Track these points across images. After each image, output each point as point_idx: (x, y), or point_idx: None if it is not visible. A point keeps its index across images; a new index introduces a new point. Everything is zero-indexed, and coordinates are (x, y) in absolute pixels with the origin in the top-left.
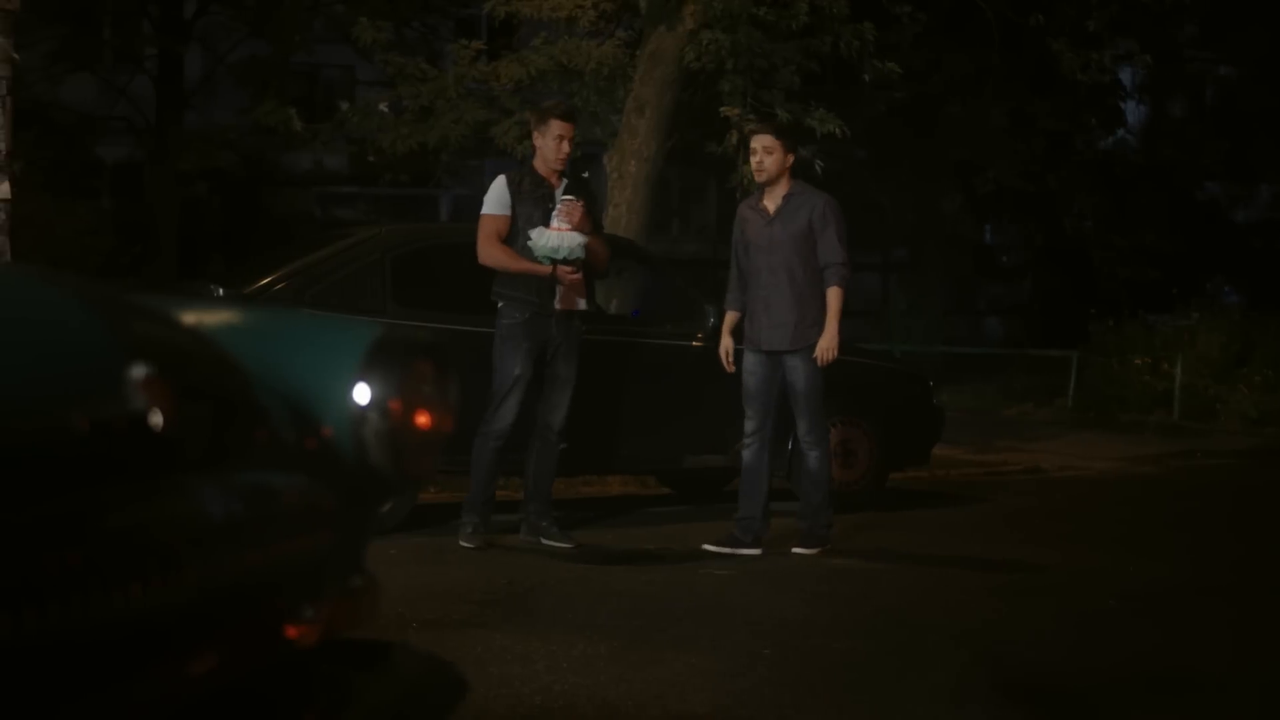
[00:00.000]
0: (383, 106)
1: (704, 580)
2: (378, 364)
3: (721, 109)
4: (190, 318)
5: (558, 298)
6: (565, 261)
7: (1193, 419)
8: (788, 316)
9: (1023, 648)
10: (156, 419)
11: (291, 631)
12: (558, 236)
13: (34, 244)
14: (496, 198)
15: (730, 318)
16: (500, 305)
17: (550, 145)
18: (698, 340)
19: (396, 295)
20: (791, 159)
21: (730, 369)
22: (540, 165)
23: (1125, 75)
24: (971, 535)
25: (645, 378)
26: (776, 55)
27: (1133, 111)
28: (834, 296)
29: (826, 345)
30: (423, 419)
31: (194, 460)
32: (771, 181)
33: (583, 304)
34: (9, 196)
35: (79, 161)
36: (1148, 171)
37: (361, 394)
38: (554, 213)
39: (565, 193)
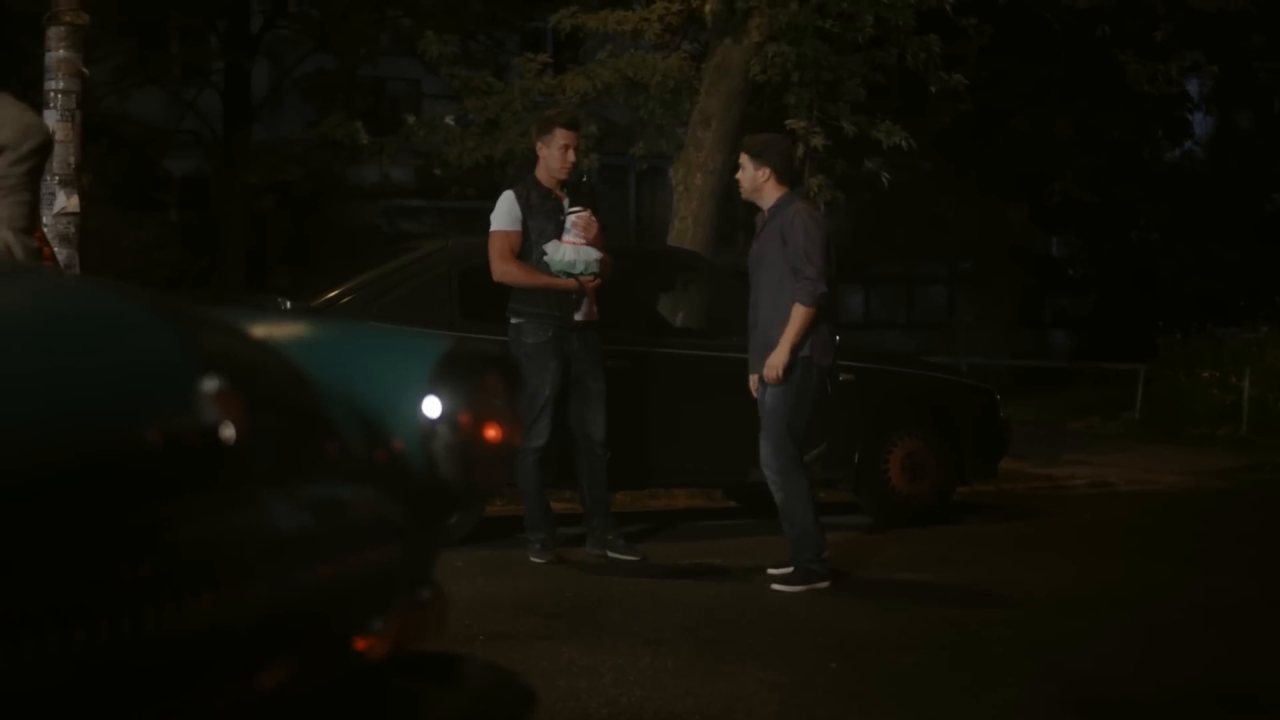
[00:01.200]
0: (449, 120)
1: (770, 594)
2: (448, 377)
3: (787, 121)
4: (260, 330)
5: (580, 310)
6: (583, 275)
7: (1261, 432)
8: (771, 336)
9: (1090, 662)
10: (228, 432)
11: (361, 644)
12: (573, 251)
13: (102, 256)
14: (506, 213)
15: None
16: (520, 323)
17: (555, 155)
18: None
19: (463, 308)
20: (766, 172)
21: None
22: (544, 176)
23: (1192, 86)
24: (1039, 549)
25: (711, 390)
26: (842, 68)
27: (1200, 123)
28: (795, 313)
29: (773, 363)
30: (492, 432)
31: (265, 473)
32: (753, 198)
33: (595, 314)
34: (77, 210)
35: (147, 175)
36: (1215, 183)
37: (431, 407)
38: (567, 226)
39: (571, 202)
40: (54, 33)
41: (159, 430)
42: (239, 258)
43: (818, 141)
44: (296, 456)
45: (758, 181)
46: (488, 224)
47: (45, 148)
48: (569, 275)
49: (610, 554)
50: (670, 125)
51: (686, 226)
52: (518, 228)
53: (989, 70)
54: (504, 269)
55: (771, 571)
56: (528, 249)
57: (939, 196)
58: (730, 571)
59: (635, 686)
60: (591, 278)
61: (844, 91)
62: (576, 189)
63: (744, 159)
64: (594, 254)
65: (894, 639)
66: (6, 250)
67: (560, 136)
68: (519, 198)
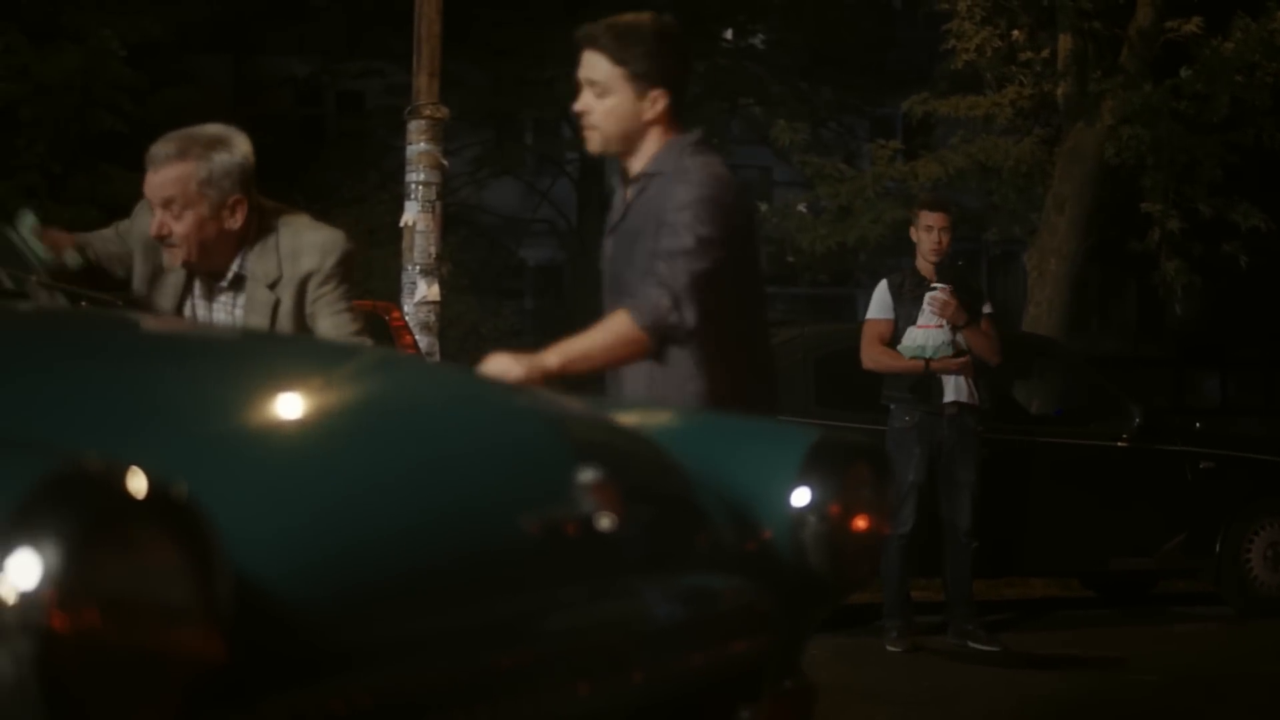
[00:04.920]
0: (801, 207)
1: (1134, 686)
2: (817, 467)
3: (1143, 205)
4: (629, 420)
5: (947, 395)
6: (933, 358)
7: None
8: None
9: None
10: (605, 522)
11: None
12: (923, 335)
13: (460, 344)
14: (879, 302)
15: None
16: (891, 408)
17: (922, 236)
18: (1122, 440)
19: (819, 396)
20: (661, 101)
21: None
22: (920, 262)
23: None
24: None
25: (1069, 478)
26: (1198, 149)
27: None
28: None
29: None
30: (861, 522)
31: (639, 562)
32: (612, 146)
33: (974, 400)
34: (438, 298)
35: (503, 263)
36: None
37: (801, 497)
38: (924, 307)
39: (938, 279)
40: (414, 126)
41: (538, 519)
42: None
43: (1174, 224)
44: (668, 546)
45: (634, 113)
46: (839, 310)
47: (348, 258)
48: (920, 359)
49: (970, 644)
50: (1023, 210)
51: (1041, 311)
52: (888, 315)
53: None
54: (869, 355)
55: None
56: (899, 336)
57: None
58: (1090, 663)
59: None
60: (950, 358)
61: (1200, 173)
62: (943, 269)
63: (605, 68)
64: (943, 337)
65: None
66: None
67: (924, 218)
68: (891, 285)
